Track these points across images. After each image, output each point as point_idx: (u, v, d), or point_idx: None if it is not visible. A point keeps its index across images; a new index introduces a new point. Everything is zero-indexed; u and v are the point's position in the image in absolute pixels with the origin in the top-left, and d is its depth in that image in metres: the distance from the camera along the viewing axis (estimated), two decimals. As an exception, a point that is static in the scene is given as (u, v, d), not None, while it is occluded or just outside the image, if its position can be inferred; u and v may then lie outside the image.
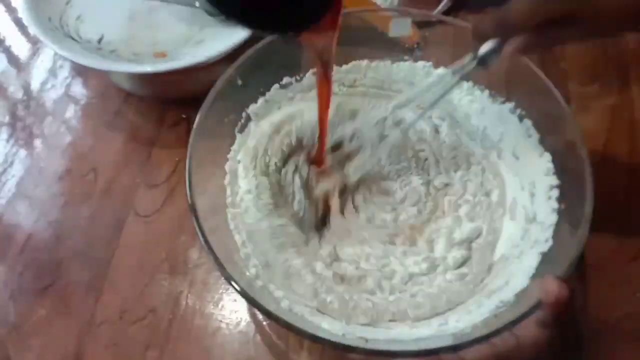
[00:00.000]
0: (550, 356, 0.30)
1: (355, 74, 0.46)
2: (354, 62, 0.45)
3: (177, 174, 0.47)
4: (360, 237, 0.39)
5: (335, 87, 0.45)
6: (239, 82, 0.40)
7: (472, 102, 0.44)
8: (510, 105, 0.41)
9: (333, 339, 0.29)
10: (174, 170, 0.48)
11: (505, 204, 0.40)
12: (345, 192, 0.41)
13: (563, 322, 0.29)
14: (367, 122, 0.41)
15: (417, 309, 0.35)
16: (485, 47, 0.33)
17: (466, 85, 0.44)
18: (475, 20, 0.35)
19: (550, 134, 0.39)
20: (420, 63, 0.45)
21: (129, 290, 0.41)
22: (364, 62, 0.45)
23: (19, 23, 0.61)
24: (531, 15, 0.29)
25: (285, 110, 0.44)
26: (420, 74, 0.45)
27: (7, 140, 0.51)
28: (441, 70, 0.41)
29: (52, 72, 0.56)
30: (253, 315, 0.40)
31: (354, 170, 0.41)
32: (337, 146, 0.42)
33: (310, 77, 0.45)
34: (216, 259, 0.31)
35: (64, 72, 0.56)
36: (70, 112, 0.53)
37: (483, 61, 0.33)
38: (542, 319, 0.29)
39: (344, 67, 0.45)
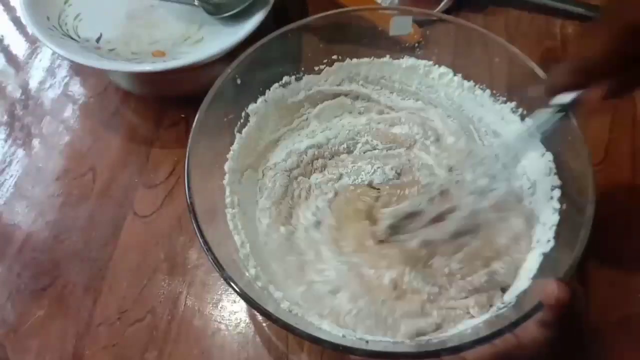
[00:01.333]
0: (551, 357, 0.30)
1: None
2: (355, 60, 0.45)
3: (176, 174, 0.47)
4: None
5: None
6: (239, 81, 0.40)
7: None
8: (511, 105, 0.41)
9: (333, 340, 0.29)
10: (172, 170, 0.48)
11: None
12: None
13: (564, 323, 0.29)
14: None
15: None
16: (565, 98, 0.30)
17: (467, 84, 0.44)
18: (551, 76, 0.31)
19: (553, 134, 0.38)
20: (422, 62, 0.44)
21: (127, 291, 0.41)
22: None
23: (17, 22, 0.61)
24: (615, 57, 0.26)
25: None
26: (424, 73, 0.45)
27: (5, 140, 0.51)
28: (520, 127, 0.37)
29: (51, 72, 0.56)
30: (252, 316, 0.40)
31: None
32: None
33: (309, 77, 0.44)
34: (215, 260, 0.31)
35: (62, 72, 0.56)
36: (69, 111, 0.53)
37: (566, 113, 0.31)
38: (543, 320, 0.29)
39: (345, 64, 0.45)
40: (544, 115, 0.33)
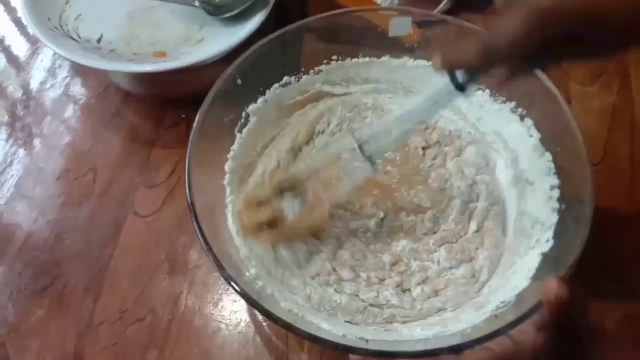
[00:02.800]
0: (548, 359, 0.30)
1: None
2: (355, 60, 0.45)
3: (176, 174, 0.47)
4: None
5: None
6: (239, 81, 0.40)
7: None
8: (511, 104, 0.41)
9: (333, 339, 0.29)
10: (173, 170, 0.48)
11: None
12: None
13: (562, 326, 0.29)
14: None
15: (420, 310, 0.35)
16: (462, 75, 0.29)
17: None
18: (450, 49, 0.28)
19: (551, 134, 0.39)
20: (421, 62, 0.45)
21: (128, 291, 0.41)
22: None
23: (18, 23, 0.61)
24: (524, 42, 0.25)
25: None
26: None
27: (6, 140, 0.51)
28: (413, 99, 0.34)
29: (52, 72, 0.56)
30: (253, 316, 0.40)
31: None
32: None
33: (309, 77, 0.44)
34: (216, 260, 0.31)
35: (63, 72, 0.56)
36: (70, 111, 0.53)
37: (462, 88, 0.29)
38: (541, 322, 0.29)
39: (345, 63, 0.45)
40: (439, 88, 0.31)
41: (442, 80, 0.30)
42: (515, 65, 0.27)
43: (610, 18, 0.24)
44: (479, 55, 0.27)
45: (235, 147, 0.41)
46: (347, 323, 0.35)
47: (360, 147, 0.35)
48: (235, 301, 0.41)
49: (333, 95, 0.46)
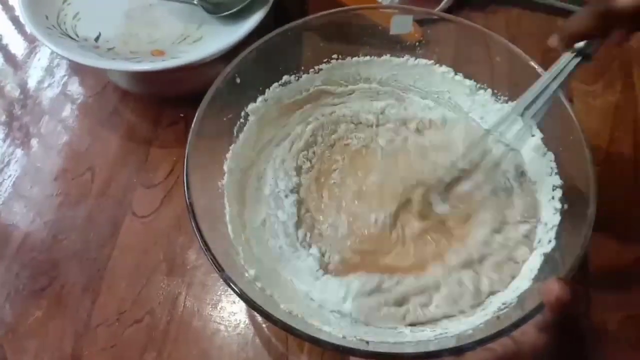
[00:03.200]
0: None
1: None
2: (356, 59, 0.45)
3: (175, 174, 0.47)
4: None
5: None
6: (238, 80, 0.40)
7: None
8: (513, 104, 0.41)
9: (333, 341, 0.29)
10: (171, 170, 0.47)
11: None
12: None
13: (564, 326, 0.29)
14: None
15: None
16: (583, 43, 0.31)
17: (468, 82, 0.43)
18: (570, 21, 0.31)
19: (554, 133, 0.38)
20: (422, 61, 0.44)
21: (126, 292, 0.41)
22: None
23: (15, 21, 0.60)
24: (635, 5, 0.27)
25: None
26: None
27: (4, 140, 0.51)
28: (543, 76, 0.36)
29: (49, 71, 0.56)
30: (252, 317, 0.40)
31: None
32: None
33: (309, 76, 0.44)
34: (214, 260, 0.31)
35: (61, 71, 0.56)
36: (67, 111, 0.53)
37: (587, 56, 0.32)
38: (542, 323, 0.29)
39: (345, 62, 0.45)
40: (561, 61, 0.33)
41: (564, 57, 0.32)
42: (629, 26, 0.29)
43: None
44: (597, 20, 0.29)
45: (234, 147, 0.41)
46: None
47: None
48: (234, 302, 0.40)
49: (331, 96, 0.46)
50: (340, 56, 0.45)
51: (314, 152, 0.43)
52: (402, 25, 0.43)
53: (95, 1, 0.52)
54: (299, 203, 0.40)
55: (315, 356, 0.37)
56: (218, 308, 0.40)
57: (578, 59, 0.32)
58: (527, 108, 0.35)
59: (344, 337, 0.32)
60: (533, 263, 0.35)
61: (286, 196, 0.40)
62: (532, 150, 0.39)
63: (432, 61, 0.44)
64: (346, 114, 0.46)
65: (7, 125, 0.52)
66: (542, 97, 0.34)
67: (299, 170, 0.42)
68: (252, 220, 0.39)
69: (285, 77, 0.44)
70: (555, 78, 0.34)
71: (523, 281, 0.34)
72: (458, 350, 0.28)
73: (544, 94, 0.34)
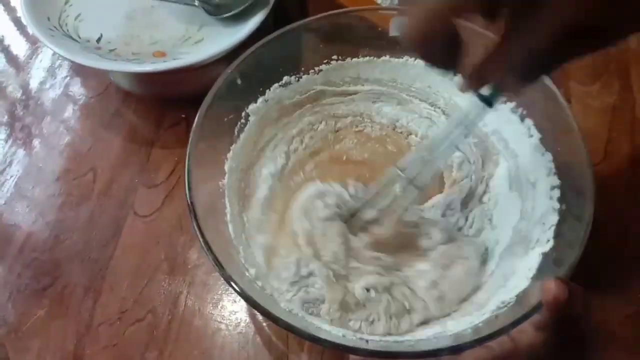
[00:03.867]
0: (548, 359, 0.30)
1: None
2: (355, 60, 0.45)
3: (176, 174, 0.47)
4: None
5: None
6: (239, 81, 0.40)
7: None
8: (511, 105, 0.41)
9: (333, 339, 0.29)
10: (173, 170, 0.48)
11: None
12: None
13: (562, 324, 0.29)
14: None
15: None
16: (486, 89, 0.30)
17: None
18: (470, 68, 0.29)
19: (551, 134, 0.39)
20: (422, 62, 0.44)
21: (128, 291, 0.41)
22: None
23: (17, 22, 0.61)
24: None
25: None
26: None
27: (6, 140, 0.51)
28: (446, 123, 0.37)
29: (51, 72, 0.56)
30: (253, 316, 0.40)
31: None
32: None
33: (309, 77, 0.44)
34: (215, 260, 0.31)
35: (63, 72, 0.56)
36: (69, 111, 0.53)
37: (489, 103, 0.30)
38: (540, 322, 0.29)
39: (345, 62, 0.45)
40: (466, 109, 0.32)
41: (468, 101, 0.31)
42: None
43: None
44: (496, 69, 0.26)
45: (235, 147, 0.41)
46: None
47: (402, 177, 0.35)
48: (235, 301, 0.41)
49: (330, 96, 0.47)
50: (340, 57, 0.45)
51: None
52: (401, 26, 0.43)
53: (97, 2, 0.53)
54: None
55: (315, 355, 0.38)
56: (219, 307, 0.40)
57: (481, 105, 0.30)
58: (434, 150, 0.35)
59: (343, 336, 0.32)
60: (531, 262, 0.35)
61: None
62: (530, 150, 0.40)
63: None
64: (346, 114, 0.46)
65: (9, 126, 0.52)
66: (446, 142, 0.34)
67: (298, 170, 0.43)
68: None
69: (285, 78, 0.44)
70: (459, 125, 0.33)
71: (521, 280, 0.34)
72: (457, 349, 0.28)
73: (448, 139, 0.34)
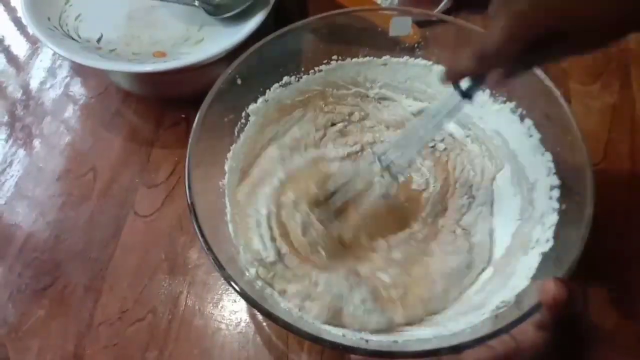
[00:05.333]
0: (548, 358, 0.30)
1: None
2: (355, 60, 0.45)
3: (176, 174, 0.47)
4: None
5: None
6: (239, 81, 0.40)
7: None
8: (511, 105, 0.41)
9: (333, 339, 0.29)
10: (173, 170, 0.48)
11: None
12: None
13: (562, 325, 0.29)
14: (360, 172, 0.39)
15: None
16: (466, 82, 0.31)
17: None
18: (450, 61, 0.31)
19: (551, 134, 0.39)
20: (422, 62, 0.45)
21: (128, 291, 0.41)
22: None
23: (18, 23, 0.61)
24: (510, 44, 0.26)
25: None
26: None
27: (6, 140, 0.51)
28: (423, 110, 0.39)
29: (51, 72, 0.56)
30: (253, 316, 0.40)
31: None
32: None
33: (309, 77, 0.45)
34: (216, 260, 0.31)
35: (63, 72, 0.56)
36: (70, 111, 0.53)
37: (468, 96, 0.32)
38: (541, 321, 0.29)
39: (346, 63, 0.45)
40: (446, 99, 0.33)
41: (448, 92, 0.32)
42: (508, 67, 0.28)
43: (585, 17, 0.25)
44: (474, 62, 0.29)
45: (235, 147, 0.41)
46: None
47: (379, 160, 0.36)
48: (235, 301, 0.41)
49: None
50: (340, 57, 0.45)
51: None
52: (401, 26, 0.43)
53: (97, 3, 0.53)
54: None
55: (315, 354, 0.38)
56: (219, 307, 0.40)
57: (459, 98, 0.32)
58: (409, 139, 0.36)
59: (343, 336, 0.32)
60: (531, 262, 0.35)
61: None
62: (530, 150, 0.40)
63: (431, 62, 0.44)
64: (346, 114, 0.46)
65: (9, 126, 0.52)
66: (421, 131, 0.35)
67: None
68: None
69: (285, 78, 0.44)
70: (435, 115, 0.34)
71: (521, 280, 0.34)
72: (456, 349, 0.28)
73: (424, 128, 0.35)
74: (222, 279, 0.31)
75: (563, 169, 0.37)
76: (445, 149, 0.45)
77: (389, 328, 0.34)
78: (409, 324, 0.35)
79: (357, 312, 0.34)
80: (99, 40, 0.50)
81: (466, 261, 0.38)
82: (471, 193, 0.42)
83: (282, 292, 0.35)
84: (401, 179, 0.38)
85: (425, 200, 0.42)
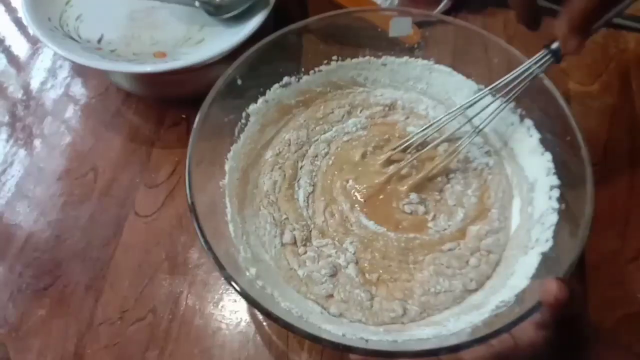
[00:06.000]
0: (548, 358, 0.30)
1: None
2: (355, 61, 0.45)
3: (177, 174, 0.47)
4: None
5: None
6: (239, 81, 0.40)
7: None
8: (511, 105, 0.41)
9: (333, 339, 0.29)
10: (173, 170, 0.48)
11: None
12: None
13: (562, 324, 0.29)
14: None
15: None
16: (556, 44, 0.34)
17: (468, 82, 0.44)
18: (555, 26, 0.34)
19: (551, 134, 0.39)
20: (422, 62, 0.45)
21: (128, 291, 0.41)
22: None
23: (18, 23, 0.61)
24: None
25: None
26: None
27: (7, 140, 0.51)
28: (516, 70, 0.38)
29: (52, 72, 0.56)
30: (253, 316, 0.40)
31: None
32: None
33: (309, 77, 0.45)
34: (216, 259, 0.31)
35: (64, 72, 0.56)
36: (70, 112, 0.53)
37: (557, 56, 0.35)
38: (541, 321, 0.29)
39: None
40: (536, 58, 0.36)
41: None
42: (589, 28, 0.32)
43: None
44: (570, 23, 0.32)
45: (235, 147, 0.41)
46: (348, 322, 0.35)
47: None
48: (235, 301, 0.41)
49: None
50: (340, 58, 0.45)
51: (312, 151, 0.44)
52: (401, 27, 0.44)
53: (97, 3, 0.53)
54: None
55: (315, 354, 0.38)
56: (219, 306, 0.40)
57: (550, 58, 0.35)
58: (499, 92, 0.38)
59: (343, 335, 0.32)
60: (531, 262, 0.35)
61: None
62: (530, 150, 0.40)
63: (431, 62, 0.45)
64: (346, 114, 0.46)
65: (10, 126, 0.52)
66: (518, 82, 0.37)
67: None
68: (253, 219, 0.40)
69: (285, 79, 0.44)
70: (528, 70, 0.36)
71: (521, 280, 0.34)
72: (456, 348, 0.28)
73: (519, 80, 0.37)
74: (222, 278, 0.31)
75: (563, 169, 0.37)
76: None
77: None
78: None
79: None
80: (99, 40, 0.50)
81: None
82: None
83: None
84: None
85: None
